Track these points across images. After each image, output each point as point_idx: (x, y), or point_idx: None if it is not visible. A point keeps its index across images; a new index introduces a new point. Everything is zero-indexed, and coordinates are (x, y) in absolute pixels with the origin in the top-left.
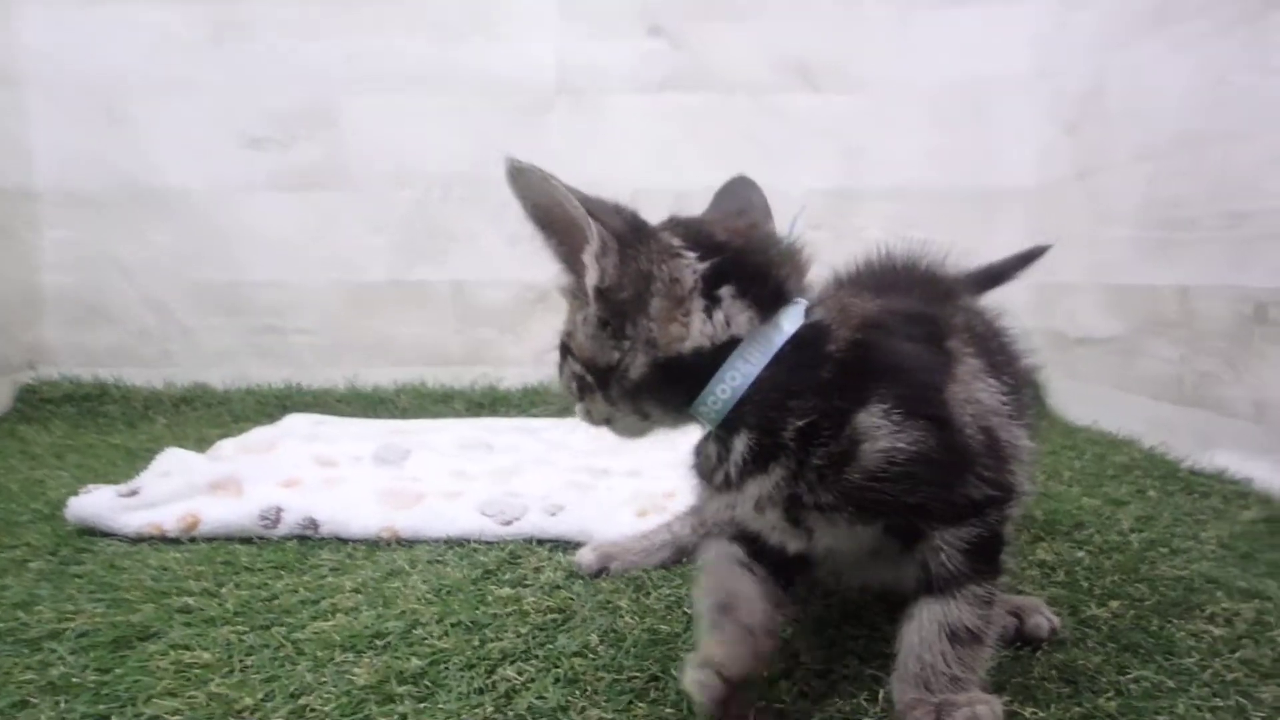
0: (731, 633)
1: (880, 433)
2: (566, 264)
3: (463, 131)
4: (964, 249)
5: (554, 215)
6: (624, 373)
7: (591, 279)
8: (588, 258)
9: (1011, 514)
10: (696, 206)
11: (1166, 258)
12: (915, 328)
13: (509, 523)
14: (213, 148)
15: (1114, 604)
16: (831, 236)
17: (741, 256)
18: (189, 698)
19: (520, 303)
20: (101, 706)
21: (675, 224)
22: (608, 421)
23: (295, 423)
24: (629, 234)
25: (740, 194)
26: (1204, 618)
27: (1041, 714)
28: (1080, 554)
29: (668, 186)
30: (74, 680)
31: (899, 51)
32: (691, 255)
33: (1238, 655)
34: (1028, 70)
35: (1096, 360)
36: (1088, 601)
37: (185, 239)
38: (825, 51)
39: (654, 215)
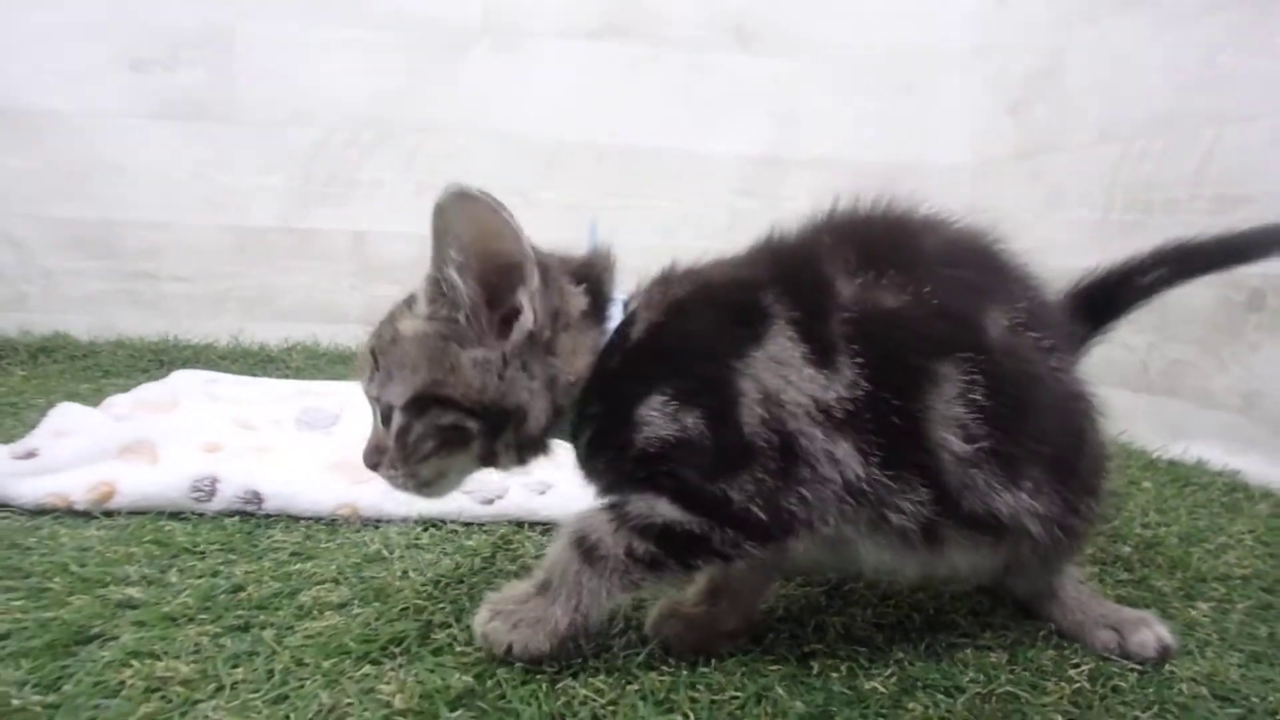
0: None
1: (653, 420)
2: (469, 304)
3: (373, 68)
4: None
5: (488, 251)
6: (523, 416)
7: (527, 320)
8: (524, 298)
9: (753, 551)
10: (616, 167)
11: (1135, 241)
12: (712, 310)
13: (490, 501)
14: (85, 67)
15: (1203, 606)
16: (761, 205)
17: (583, 271)
18: None
19: (424, 257)
20: None
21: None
22: (429, 484)
23: (185, 379)
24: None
25: None
26: None
27: None
28: (1126, 549)
29: (590, 141)
30: (13, 702)
31: (836, 15)
32: (575, 286)
33: None
34: (967, 46)
35: None
36: (1172, 603)
37: (48, 168)
38: (761, 10)
39: (575, 173)
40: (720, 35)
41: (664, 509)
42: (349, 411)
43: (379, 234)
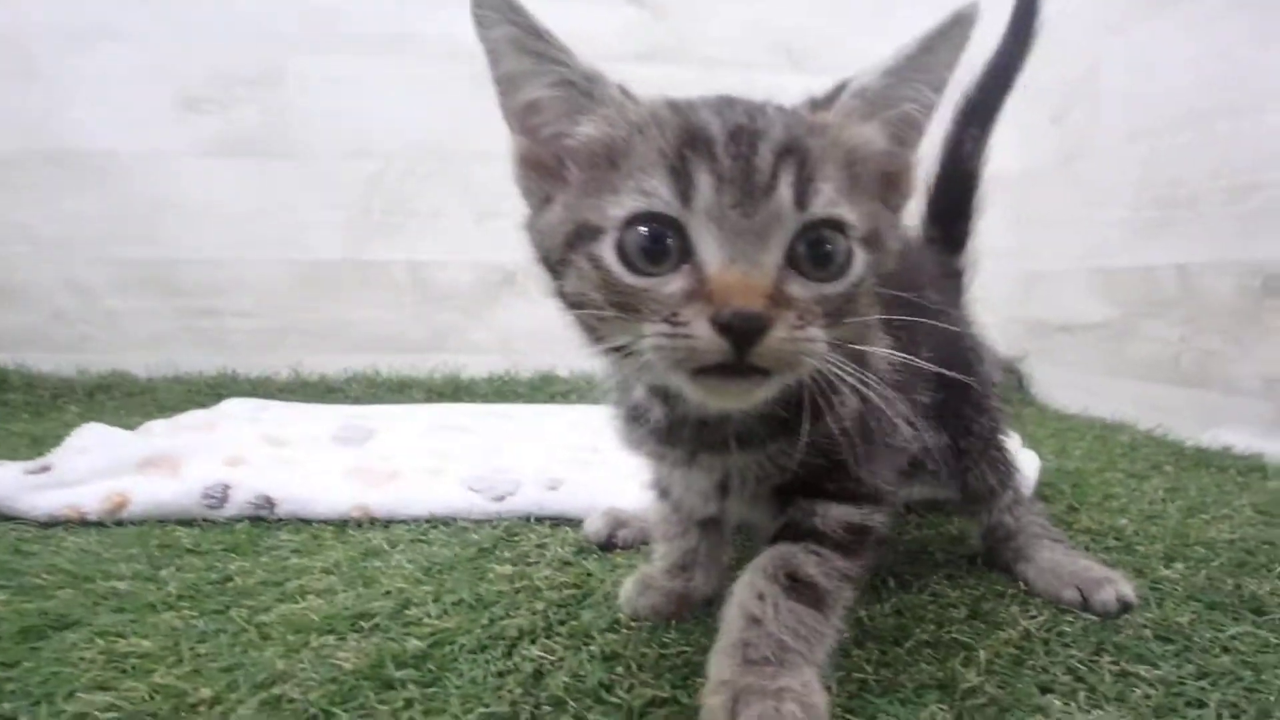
0: None
1: None
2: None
3: (425, 100)
4: None
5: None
6: None
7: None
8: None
9: None
10: None
11: (1163, 237)
12: None
13: (501, 498)
14: (142, 108)
15: (1179, 565)
16: None
17: None
18: (126, 690)
19: (485, 285)
20: (7, 705)
21: None
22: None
23: (235, 407)
24: None
25: None
26: (1276, 575)
27: (1157, 672)
28: (1123, 521)
29: None
30: None
31: (884, 33)
32: None
33: None
34: None
35: (1083, 346)
36: (1151, 565)
37: (109, 210)
38: (811, 31)
39: None
40: (771, 55)
41: None
42: (385, 430)
43: (438, 263)
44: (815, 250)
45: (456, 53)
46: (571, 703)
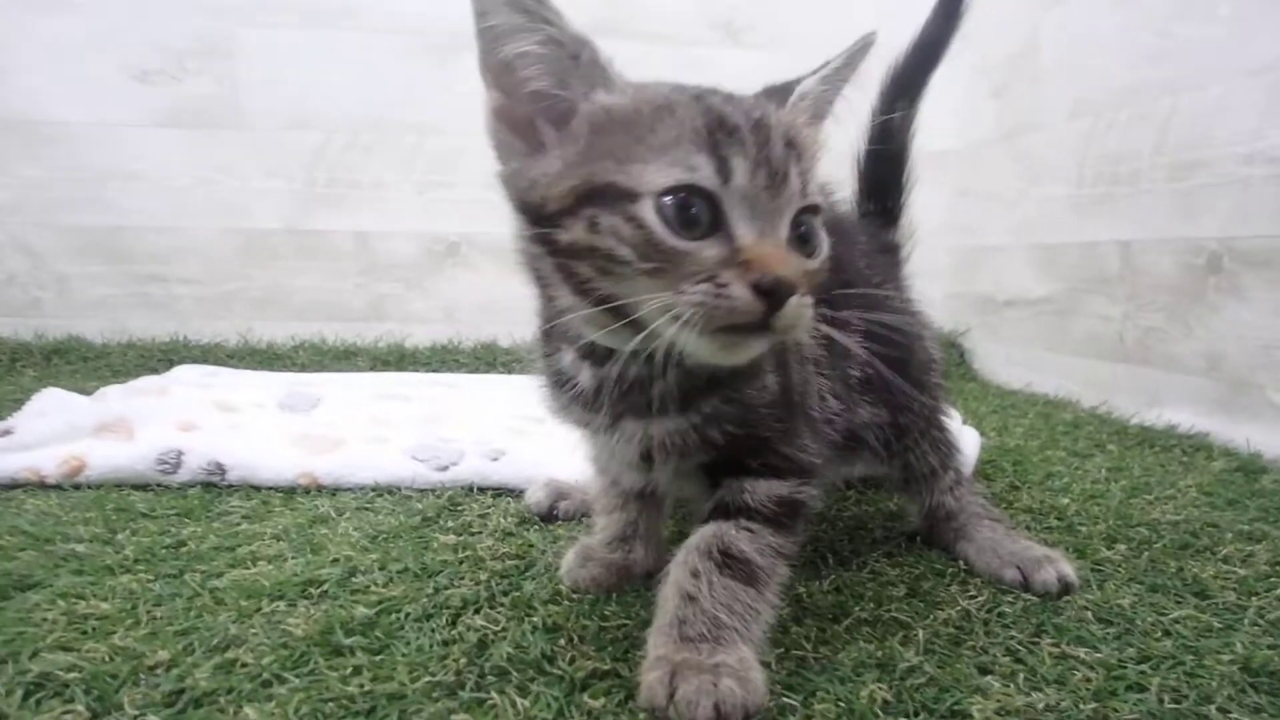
0: None
1: None
2: None
3: (370, 72)
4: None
5: None
6: None
7: None
8: None
9: None
10: None
11: (1105, 213)
12: None
13: (444, 468)
14: (93, 78)
15: (1120, 547)
16: None
17: None
18: (87, 652)
19: (428, 255)
20: None
21: None
22: None
23: (186, 373)
24: None
25: None
26: (1219, 559)
27: (1096, 655)
28: (1064, 500)
29: None
30: None
31: (825, 9)
32: None
33: (1276, 594)
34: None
35: (1026, 322)
36: (1092, 545)
37: (60, 177)
38: (749, 7)
39: None
40: (711, 31)
41: None
42: (330, 397)
43: (381, 234)
44: (803, 231)
45: (401, 27)
46: (515, 673)
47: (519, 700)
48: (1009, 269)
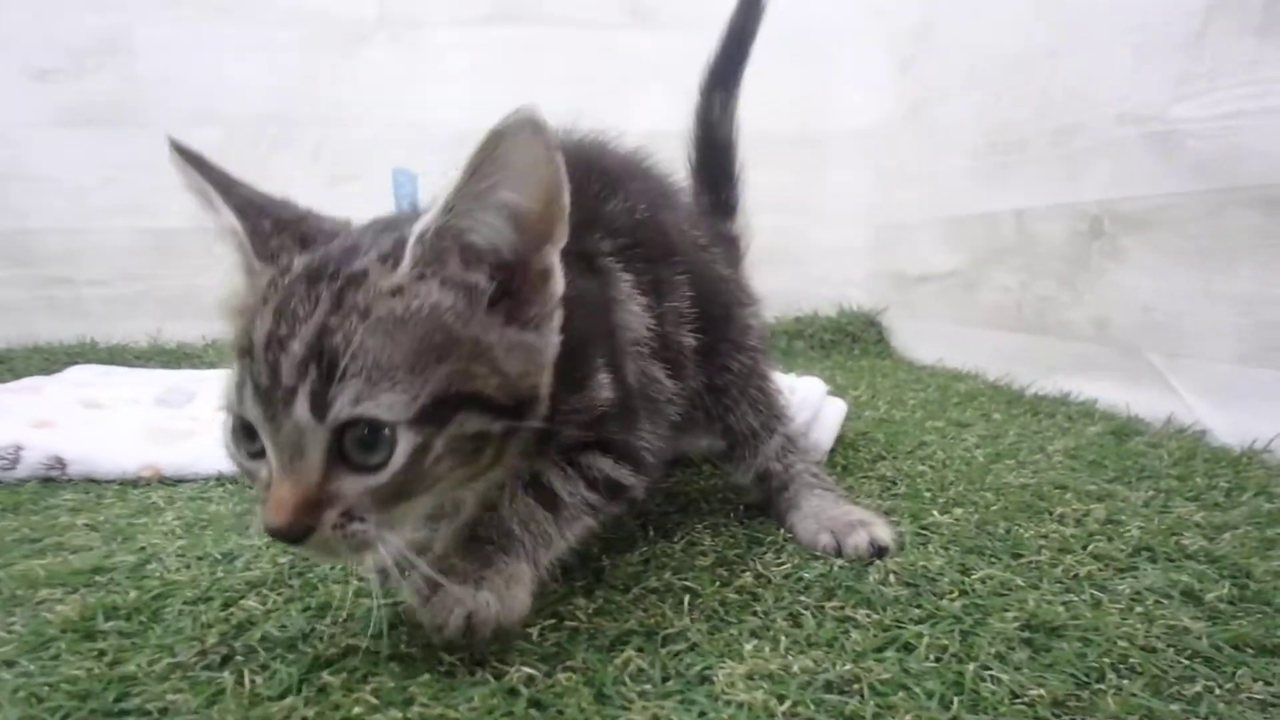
0: None
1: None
2: (514, 260)
3: (273, 65)
4: (802, 193)
5: (544, 198)
6: (536, 402)
7: (559, 285)
8: (554, 258)
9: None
10: None
11: (1002, 184)
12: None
13: None
14: None
15: (958, 511)
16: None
17: None
18: None
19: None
20: None
21: None
22: (397, 528)
23: (77, 373)
24: None
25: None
26: (1054, 519)
27: (876, 617)
28: (923, 468)
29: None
30: None
31: None
32: None
33: (1089, 550)
34: (863, 10)
35: (939, 297)
36: (929, 510)
37: None
38: None
39: None
40: (616, 14)
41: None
42: (206, 391)
43: None
44: (359, 445)
45: (300, 19)
46: (263, 652)
47: (254, 678)
48: (923, 244)
